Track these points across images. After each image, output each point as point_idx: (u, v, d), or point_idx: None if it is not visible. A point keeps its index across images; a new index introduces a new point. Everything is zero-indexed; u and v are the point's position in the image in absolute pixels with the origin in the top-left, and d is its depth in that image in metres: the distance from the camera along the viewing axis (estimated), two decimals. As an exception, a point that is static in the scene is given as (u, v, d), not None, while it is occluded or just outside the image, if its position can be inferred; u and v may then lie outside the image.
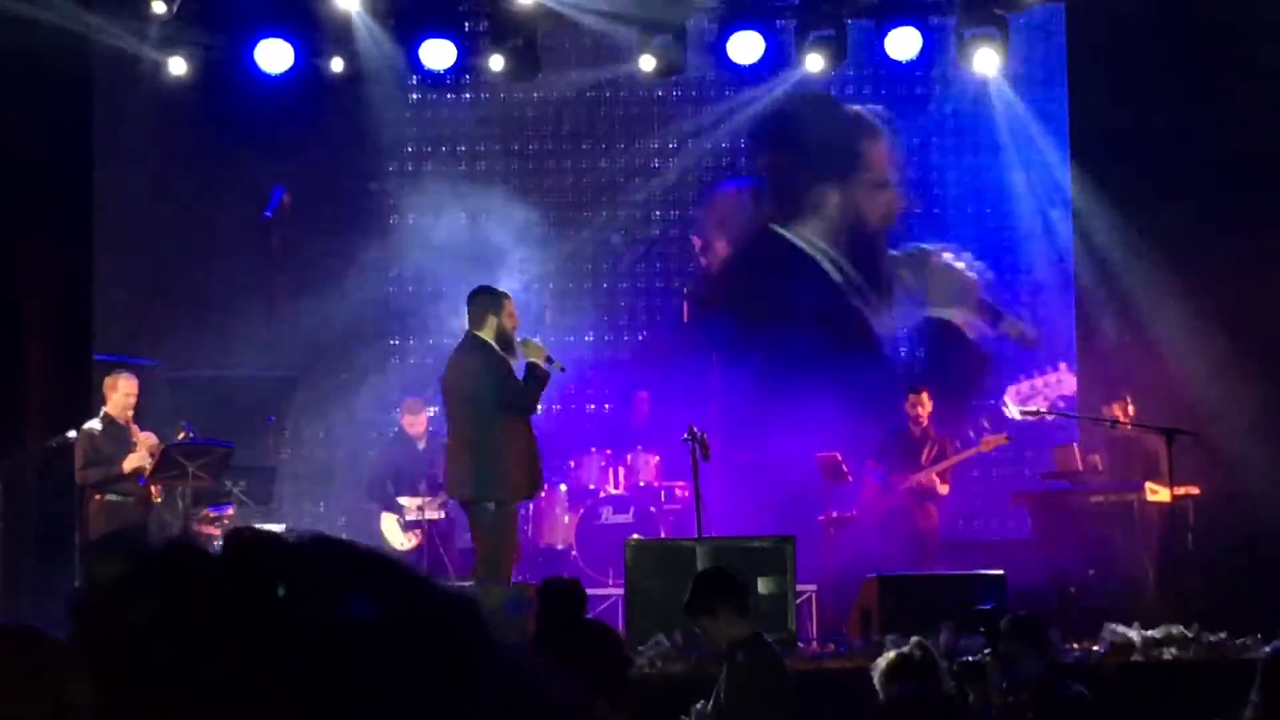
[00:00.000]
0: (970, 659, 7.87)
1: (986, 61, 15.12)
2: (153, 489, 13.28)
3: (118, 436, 13.18)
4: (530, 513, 14.50)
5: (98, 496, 13.09)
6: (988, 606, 8.45)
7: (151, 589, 1.42)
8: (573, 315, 16.50)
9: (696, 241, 16.79)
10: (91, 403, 13.77)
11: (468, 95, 16.57)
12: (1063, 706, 7.77)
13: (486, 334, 11.56)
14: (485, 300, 11.72)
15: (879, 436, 15.05)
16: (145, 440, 13.21)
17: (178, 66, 14.83)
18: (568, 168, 16.59)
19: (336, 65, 15.10)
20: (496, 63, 14.91)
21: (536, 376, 11.48)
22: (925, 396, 14.92)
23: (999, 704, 7.67)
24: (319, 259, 16.27)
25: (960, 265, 16.60)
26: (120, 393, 13.27)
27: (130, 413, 13.30)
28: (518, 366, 11.50)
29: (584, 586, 8.67)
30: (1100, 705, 8.29)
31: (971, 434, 15.17)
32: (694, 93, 16.66)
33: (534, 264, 16.26)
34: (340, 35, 14.96)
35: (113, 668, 1.41)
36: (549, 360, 11.54)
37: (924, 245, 16.70)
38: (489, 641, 1.48)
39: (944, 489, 14.61)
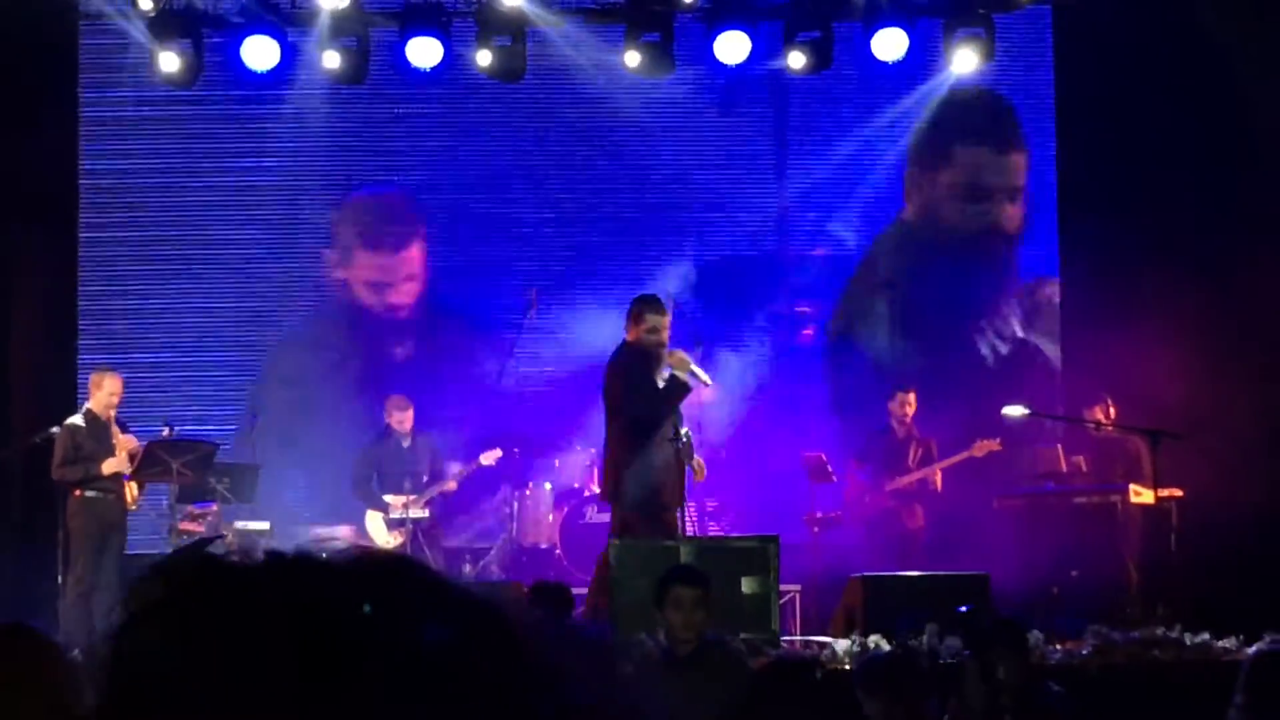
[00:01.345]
0: (950, 661, 7.87)
1: (972, 62, 15.12)
2: (133, 486, 13.28)
3: (99, 434, 13.18)
4: (515, 511, 14.51)
5: (77, 493, 13.09)
6: (966, 609, 8.40)
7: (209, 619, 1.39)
8: (559, 311, 16.44)
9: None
10: (77, 401, 13.81)
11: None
12: (1044, 708, 7.77)
13: (631, 342, 11.74)
14: (631, 309, 11.91)
15: (861, 438, 15.04)
16: (125, 443, 13.21)
17: (169, 63, 14.76)
18: (560, 165, 16.48)
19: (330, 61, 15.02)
20: (484, 58, 14.87)
21: (671, 388, 11.56)
22: (912, 397, 14.93)
23: (979, 707, 7.67)
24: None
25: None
26: (105, 391, 13.28)
27: (113, 411, 13.31)
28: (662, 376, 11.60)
29: (570, 588, 8.82)
30: (1083, 707, 8.29)
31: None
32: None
33: (523, 260, 16.23)
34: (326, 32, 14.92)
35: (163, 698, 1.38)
36: (692, 373, 11.61)
37: None
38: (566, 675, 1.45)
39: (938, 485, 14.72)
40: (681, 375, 11.57)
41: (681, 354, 11.68)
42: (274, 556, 1.44)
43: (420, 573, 1.45)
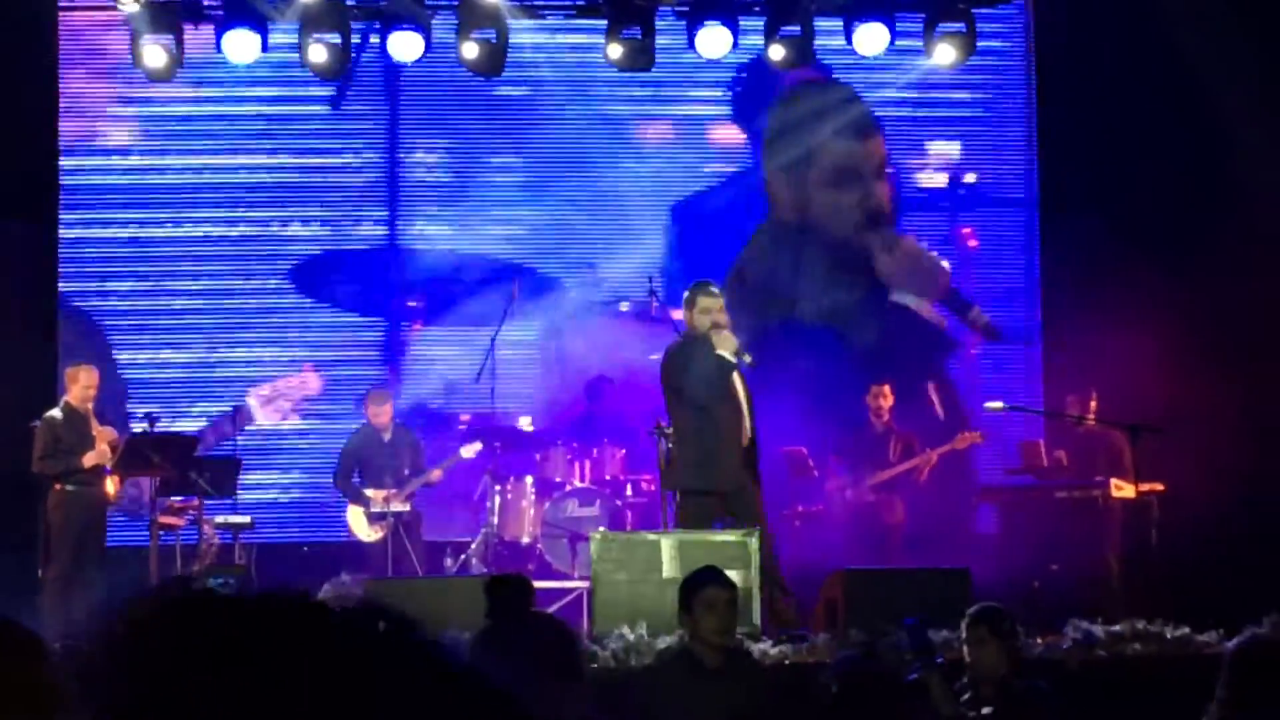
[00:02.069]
0: (913, 676, 7.82)
1: (952, 55, 15.13)
2: (114, 479, 13.27)
3: (78, 426, 13.18)
4: (496, 505, 14.49)
5: (58, 486, 13.09)
6: (911, 622, 8.19)
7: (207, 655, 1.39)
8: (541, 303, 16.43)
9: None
10: (55, 395, 13.80)
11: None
12: (1024, 702, 7.77)
13: (687, 329, 11.82)
14: (685, 295, 11.99)
15: (837, 433, 15.01)
16: (104, 435, 13.21)
17: (154, 57, 14.71)
18: (538, 155, 16.45)
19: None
20: (470, 50, 14.84)
21: (717, 368, 11.54)
22: (888, 390, 14.95)
23: (950, 714, 7.65)
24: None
25: (932, 252, 16.60)
26: (80, 384, 13.32)
27: (90, 404, 13.32)
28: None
29: (532, 581, 8.68)
30: (1063, 701, 8.30)
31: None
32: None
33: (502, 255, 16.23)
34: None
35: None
36: (738, 354, 11.60)
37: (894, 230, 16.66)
38: None
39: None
40: (729, 357, 11.56)
41: (728, 334, 11.66)
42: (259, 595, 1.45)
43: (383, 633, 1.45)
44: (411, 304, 15.96)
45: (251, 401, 15.19)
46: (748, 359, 11.73)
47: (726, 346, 11.59)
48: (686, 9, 15.14)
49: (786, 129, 16.42)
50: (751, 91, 16.41)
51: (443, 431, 15.51)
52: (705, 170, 16.49)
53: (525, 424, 15.23)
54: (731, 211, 16.34)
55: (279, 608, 1.43)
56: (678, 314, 15.81)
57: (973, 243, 16.45)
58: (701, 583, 8.01)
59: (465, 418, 15.53)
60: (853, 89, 16.43)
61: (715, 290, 11.98)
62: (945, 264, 16.58)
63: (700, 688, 7.77)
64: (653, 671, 8.25)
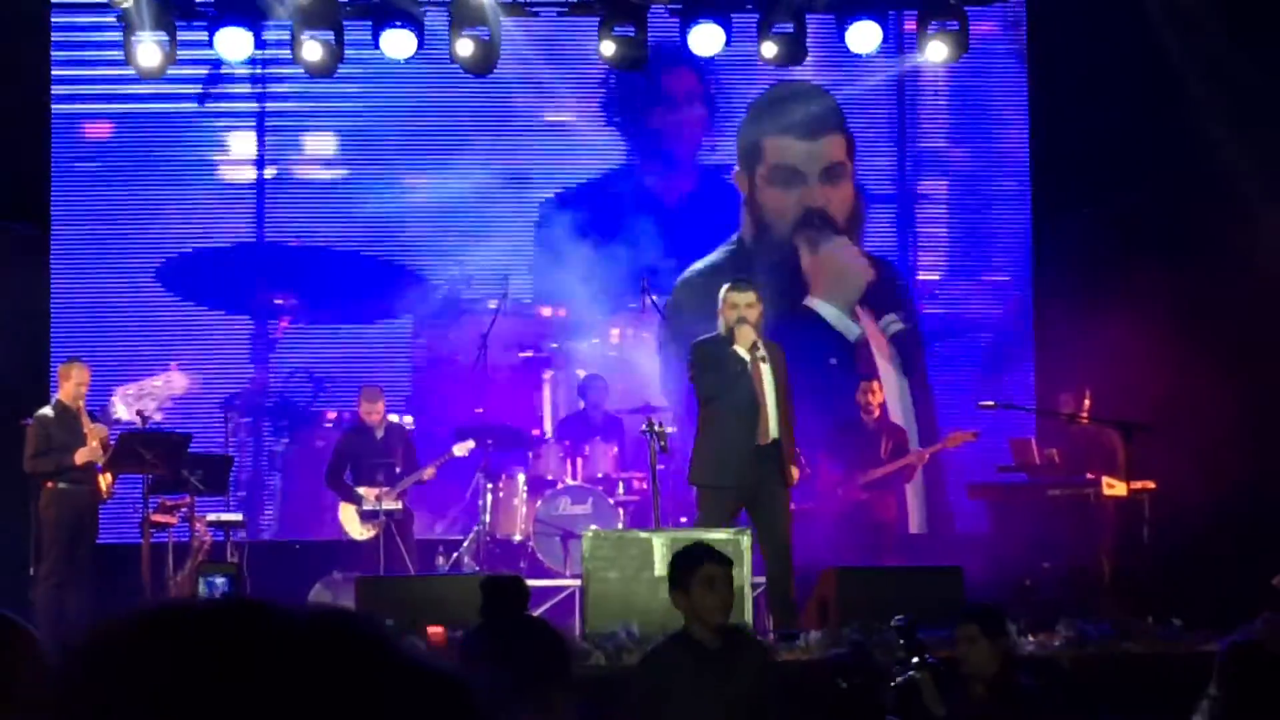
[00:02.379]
0: (900, 680, 7.82)
1: (945, 54, 15.14)
2: (106, 477, 13.25)
3: (70, 424, 13.16)
4: (488, 503, 14.49)
5: (49, 484, 13.07)
6: (902, 621, 8.18)
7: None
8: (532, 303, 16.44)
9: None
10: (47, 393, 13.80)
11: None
12: (1015, 701, 7.77)
13: (721, 322, 11.68)
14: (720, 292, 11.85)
15: (827, 429, 14.98)
16: (96, 432, 13.20)
17: (148, 56, 14.69)
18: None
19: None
20: (465, 47, 14.83)
21: (730, 364, 11.45)
22: (877, 385, 14.95)
23: (940, 713, 7.65)
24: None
25: (862, 257, 16.52)
26: (73, 381, 13.29)
27: (82, 401, 13.31)
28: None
29: (527, 583, 8.65)
30: (1054, 698, 8.30)
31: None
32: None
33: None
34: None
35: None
36: (753, 349, 11.43)
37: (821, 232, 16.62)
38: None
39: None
40: (743, 353, 11.44)
41: (748, 329, 11.47)
42: (235, 602, 1.45)
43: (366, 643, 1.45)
44: (278, 301, 15.98)
45: (116, 400, 15.05)
46: (761, 356, 11.51)
47: (744, 342, 11.43)
48: (680, 6, 15.14)
49: (763, 133, 16.45)
50: (623, 92, 16.40)
51: (309, 429, 15.61)
52: (575, 169, 16.46)
53: (409, 422, 15.20)
54: (602, 209, 16.30)
55: (256, 620, 1.43)
56: (546, 311, 15.93)
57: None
58: (697, 559, 7.65)
59: (332, 415, 15.62)
60: (822, 88, 16.42)
61: (743, 285, 11.77)
62: (869, 269, 16.48)
63: (702, 671, 7.52)
64: (649, 661, 7.86)
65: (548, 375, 15.82)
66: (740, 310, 11.50)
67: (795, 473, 11.85)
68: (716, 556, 7.65)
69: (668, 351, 15.38)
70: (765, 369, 11.51)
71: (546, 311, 16.11)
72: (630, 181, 16.47)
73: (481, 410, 15.27)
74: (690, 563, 7.62)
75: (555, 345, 15.92)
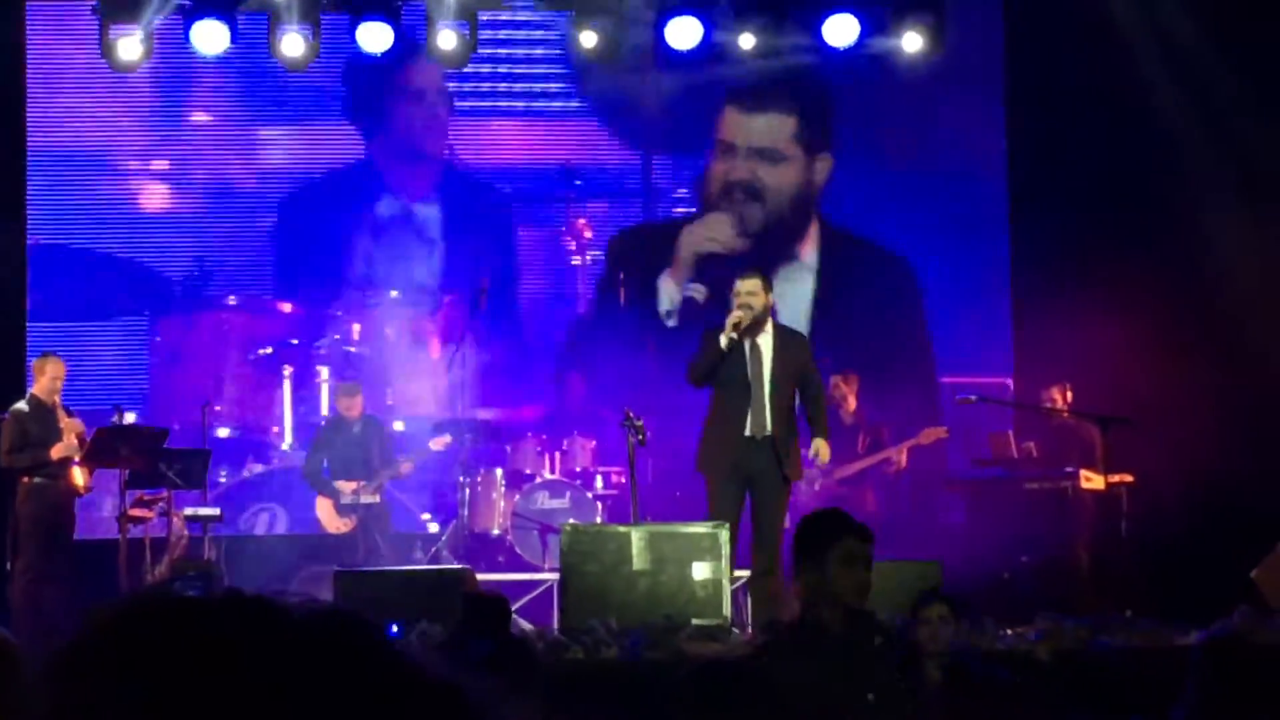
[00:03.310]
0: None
1: (920, 48, 15.14)
2: (83, 472, 13.20)
3: (45, 419, 13.10)
4: (466, 497, 14.47)
5: (25, 479, 13.02)
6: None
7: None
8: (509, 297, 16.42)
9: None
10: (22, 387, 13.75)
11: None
12: (984, 691, 7.75)
13: None
14: None
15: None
16: (72, 426, 13.14)
17: (127, 50, 14.64)
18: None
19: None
20: (447, 39, 14.80)
21: (707, 346, 11.39)
22: (852, 378, 14.92)
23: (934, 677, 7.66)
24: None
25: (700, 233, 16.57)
26: (48, 376, 13.23)
27: (57, 396, 13.25)
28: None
29: (507, 599, 8.62)
30: (1027, 691, 8.29)
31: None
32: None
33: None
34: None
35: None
36: (735, 328, 11.27)
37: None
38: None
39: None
40: (726, 339, 11.28)
41: (738, 315, 11.33)
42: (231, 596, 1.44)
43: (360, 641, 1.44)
44: None
45: None
46: (730, 337, 11.29)
47: (730, 328, 11.27)
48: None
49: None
50: (362, 89, 16.34)
51: None
52: (315, 167, 16.41)
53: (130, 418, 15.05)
54: (335, 207, 16.32)
55: (239, 612, 1.42)
56: (285, 306, 15.92)
57: (588, 234, 16.37)
58: (837, 532, 6.38)
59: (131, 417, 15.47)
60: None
61: (749, 273, 11.68)
62: (686, 243, 16.51)
63: (829, 658, 6.31)
64: (764, 652, 6.66)
65: (288, 372, 15.75)
66: (740, 298, 11.41)
67: (799, 467, 11.78)
68: (858, 530, 6.42)
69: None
70: (766, 358, 11.46)
71: (286, 307, 16.09)
72: (371, 177, 16.48)
73: (220, 408, 15.24)
74: (828, 535, 6.37)
75: (295, 341, 15.86)
